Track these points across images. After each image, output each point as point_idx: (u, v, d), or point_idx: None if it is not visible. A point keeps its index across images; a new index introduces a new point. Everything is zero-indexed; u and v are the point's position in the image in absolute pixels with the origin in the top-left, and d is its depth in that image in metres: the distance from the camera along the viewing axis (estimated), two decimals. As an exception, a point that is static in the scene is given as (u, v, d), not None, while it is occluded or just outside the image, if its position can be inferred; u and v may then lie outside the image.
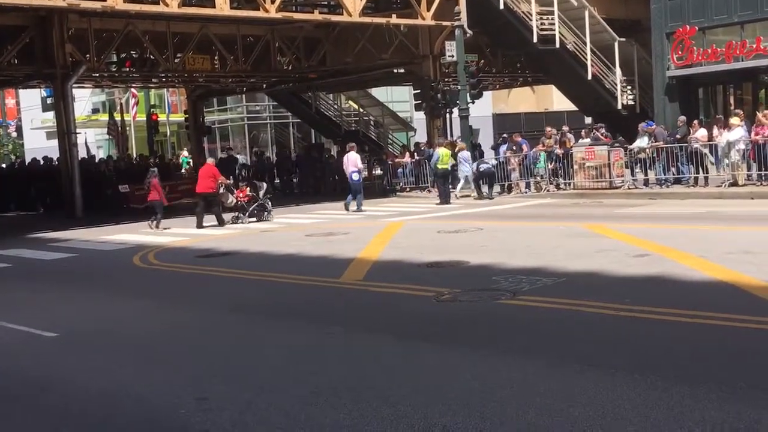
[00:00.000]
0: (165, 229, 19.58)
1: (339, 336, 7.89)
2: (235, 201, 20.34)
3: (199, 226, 19.34)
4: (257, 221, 20.13)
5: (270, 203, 20.98)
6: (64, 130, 25.00)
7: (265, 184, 21.51)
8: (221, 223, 19.68)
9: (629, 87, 29.94)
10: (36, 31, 25.06)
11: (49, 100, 46.21)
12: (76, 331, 8.87)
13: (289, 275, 11.57)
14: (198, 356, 7.51)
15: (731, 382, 5.72)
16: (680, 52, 27.11)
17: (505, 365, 6.50)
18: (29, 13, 23.78)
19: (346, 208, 21.61)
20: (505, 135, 27.51)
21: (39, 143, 55.53)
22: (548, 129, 25.20)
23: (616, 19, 31.00)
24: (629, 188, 21.66)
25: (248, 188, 20.93)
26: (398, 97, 50.76)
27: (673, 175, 21.16)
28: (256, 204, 20.55)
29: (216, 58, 31.28)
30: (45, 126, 55.47)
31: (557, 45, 27.70)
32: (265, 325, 8.68)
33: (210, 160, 22.01)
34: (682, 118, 22.60)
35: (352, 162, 22.24)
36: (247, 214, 20.22)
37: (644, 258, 10.97)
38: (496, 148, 24.64)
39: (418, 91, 28.25)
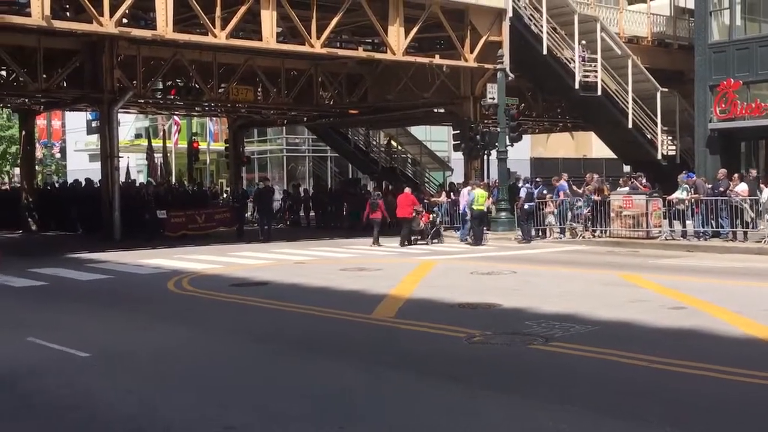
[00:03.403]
0: (378, 246, 22.16)
1: (368, 372, 7.87)
2: (422, 226, 23.23)
3: (406, 244, 22.49)
4: (429, 244, 22.85)
5: (442, 228, 23.92)
6: (107, 154, 25.45)
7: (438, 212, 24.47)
8: (405, 244, 22.44)
9: (670, 137, 29.80)
10: (86, 56, 25.67)
11: (94, 124, 47.24)
12: (108, 352, 8.95)
13: (321, 308, 11.60)
14: (226, 384, 7.53)
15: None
16: (723, 105, 26.94)
17: (536, 412, 6.44)
18: (81, 38, 24.39)
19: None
20: (538, 179, 27.44)
21: (81, 165, 56.55)
22: (589, 176, 25.02)
23: (660, 69, 30.96)
24: (666, 239, 21.44)
25: (430, 215, 23.56)
26: (437, 137, 50.97)
27: (712, 228, 20.92)
28: (434, 229, 23.43)
29: (259, 89, 31.75)
30: (88, 148, 56.50)
31: (599, 92, 27.71)
32: (294, 357, 8.69)
33: (408, 189, 24.61)
34: (723, 171, 22.40)
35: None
36: (429, 237, 23.15)
37: (679, 311, 10.83)
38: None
39: (458, 131, 28.35)
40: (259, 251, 21.10)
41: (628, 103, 28.19)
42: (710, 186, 21.73)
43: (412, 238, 23.16)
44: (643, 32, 32.22)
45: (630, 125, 28.41)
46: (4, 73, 28.43)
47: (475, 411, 6.52)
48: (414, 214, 23.06)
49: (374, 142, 41.28)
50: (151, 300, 13.20)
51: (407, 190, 24.71)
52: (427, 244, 23.08)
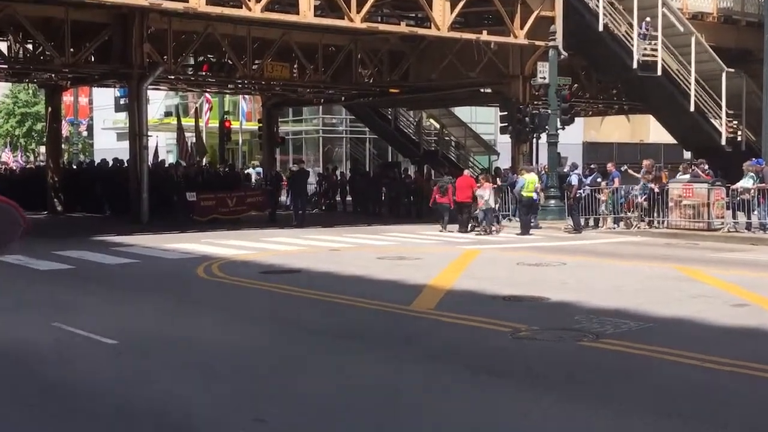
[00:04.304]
0: (450, 231, 22.56)
1: (405, 365, 7.89)
2: (479, 212, 23.13)
3: (464, 230, 22.81)
4: (487, 233, 22.51)
5: (501, 216, 24.08)
6: (136, 132, 25.72)
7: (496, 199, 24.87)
8: (465, 230, 22.77)
9: (735, 122, 29.28)
10: (115, 29, 25.89)
11: (122, 101, 47.71)
12: (135, 339, 9.09)
13: (356, 298, 11.65)
14: (255, 375, 7.62)
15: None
16: (794, 87, 26.33)
17: (584, 412, 6.40)
18: (110, 10, 24.62)
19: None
20: (593, 165, 27.16)
21: (109, 144, 57.35)
22: (647, 162, 24.67)
23: (726, 47, 30.40)
24: (729, 231, 21.13)
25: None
26: (482, 118, 50.72)
27: (779, 220, 20.55)
28: (493, 215, 23.20)
29: (295, 66, 31.83)
30: (116, 127, 57.28)
31: (659, 72, 27.30)
32: (327, 348, 8.75)
33: (467, 172, 25.01)
34: (791, 158, 21.99)
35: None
36: (485, 223, 22.75)
37: (742, 308, 10.69)
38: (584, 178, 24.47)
39: (505, 113, 28.18)
40: (292, 237, 21.24)
41: (690, 84, 27.73)
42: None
43: (470, 224, 23.21)
44: (709, 8, 31.64)
45: (692, 108, 27.95)
46: (30, 46, 28.88)
47: (519, 410, 6.50)
48: (473, 199, 23.15)
49: (415, 124, 41.20)
50: (180, 286, 13.37)
51: (466, 172, 24.81)
52: (482, 233, 22.93)
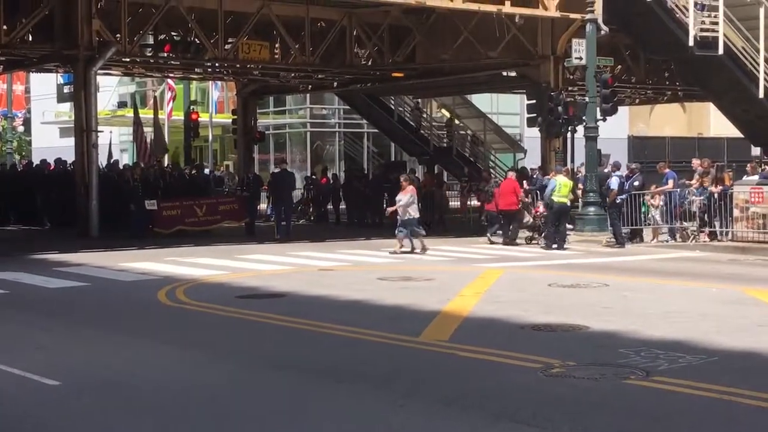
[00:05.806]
0: (494, 243, 23.55)
1: (413, 411, 7.89)
2: (531, 220, 24.04)
3: (510, 242, 23.57)
4: (547, 245, 22.71)
5: (567, 225, 24.15)
6: (83, 127, 25.76)
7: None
8: (512, 242, 23.55)
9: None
10: (57, 1, 25.96)
11: (66, 89, 47.84)
12: (82, 379, 9.09)
13: (353, 328, 11.66)
14: (229, 425, 7.61)
15: None
16: None
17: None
18: (51, -22, 24.71)
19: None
20: (633, 165, 27.18)
21: (50, 141, 57.36)
22: (696, 161, 24.76)
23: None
24: (808, 244, 21.18)
25: (542, 206, 23.91)
26: (506, 108, 50.85)
27: None
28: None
29: (277, 46, 31.89)
30: (59, 120, 57.31)
31: (720, 50, 27.32)
32: (317, 389, 8.74)
33: (511, 174, 25.66)
34: None
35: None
36: (543, 235, 23.26)
37: (825, 338, 10.71)
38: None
39: (533, 101, 28.20)
40: (275, 254, 21.25)
41: (758, 65, 27.76)
42: None
43: (527, 235, 23.72)
44: (780, -28, 31.71)
45: (761, 94, 27.97)
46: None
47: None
48: (520, 206, 23.66)
49: (425, 116, 41.29)
50: (137, 314, 13.36)
51: (510, 174, 25.65)
52: (539, 244, 23.28)
